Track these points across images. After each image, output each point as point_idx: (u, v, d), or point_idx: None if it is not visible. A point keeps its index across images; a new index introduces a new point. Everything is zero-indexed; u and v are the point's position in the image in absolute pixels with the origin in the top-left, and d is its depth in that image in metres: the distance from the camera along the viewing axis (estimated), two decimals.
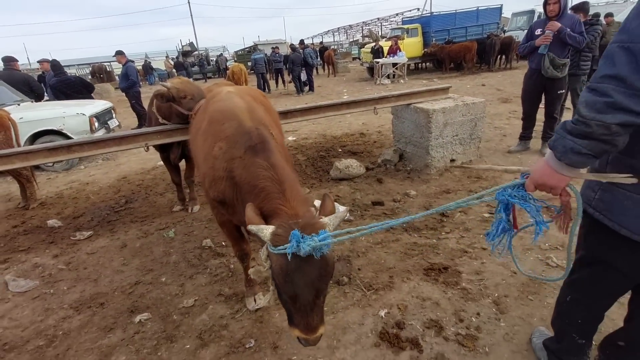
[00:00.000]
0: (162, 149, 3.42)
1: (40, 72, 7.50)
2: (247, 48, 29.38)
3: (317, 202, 1.53)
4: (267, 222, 1.36)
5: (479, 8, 16.39)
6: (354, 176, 4.17)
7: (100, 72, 19.39)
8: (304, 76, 12.45)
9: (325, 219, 1.29)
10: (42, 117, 5.17)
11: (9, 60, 6.40)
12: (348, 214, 3.26)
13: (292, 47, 13.61)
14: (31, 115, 5.11)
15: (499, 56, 14.52)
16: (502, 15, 17.63)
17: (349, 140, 5.87)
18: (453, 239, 2.78)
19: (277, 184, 1.42)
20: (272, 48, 14.43)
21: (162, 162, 5.08)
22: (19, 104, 5.54)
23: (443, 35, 15.83)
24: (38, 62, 6.74)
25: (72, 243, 3.28)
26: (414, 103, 4.08)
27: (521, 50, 4.33)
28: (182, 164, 3.77)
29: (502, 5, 16.84)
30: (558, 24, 3.83)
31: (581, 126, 0.93)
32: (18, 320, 2.35)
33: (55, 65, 6.51)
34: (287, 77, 13.26)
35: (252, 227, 1.26)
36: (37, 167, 4.48)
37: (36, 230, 3.62)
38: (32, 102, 6.07)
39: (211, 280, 2.57)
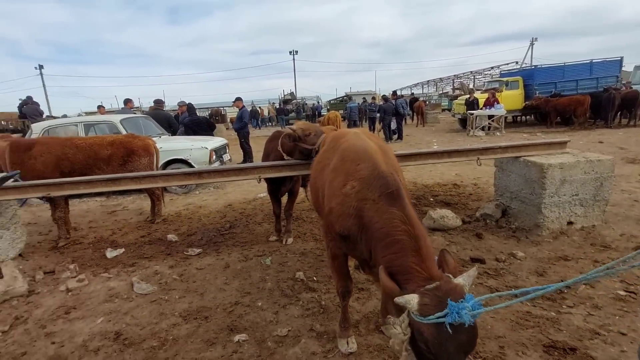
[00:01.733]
0: (272, 182, 3.78)
1: (176, 113, 9.22)
2: (339, 98, 32.05)
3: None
4: (396, 279, 1.36)
5: (593, 61, 15.00)
6: (449, 228, 3.94)
7: (217, 115, 22.86)
8: (393, 124, 12.73)
9: (461, 280, 1.26)
10: (175, 148, 6.27)
11: (158, 102, 8.06)
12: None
13: (384, 97, 14.20)
14: (168, 146, 6.21)
15: (619, 112, 12.79)
16: (623, 68, 15.79)
17: (441, 190, 5.64)
18: (578, 316, 2.36)
19: (413, 239, 1.40)
20: (364, 98, 15.24)
21: (262, 195, 5.62)
22: (160, 137, 6.81)
23: (548, 88, 14.77)
24: (178, 104, 8.41)
25: (185, 257, 3.72)
26: (524, 156, 3.79)
27: None
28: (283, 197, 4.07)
29: (622, 57, 15.16)
30: None
31: None
32: (138, 320, 2.67)
33: (190, 107, 7.97)
34: (378, 126, 13.68)
35: (399, 300, 1.27)
36: (165, 189, 5.31)
37: (158, 242, 4.20)
38: (169, 135, 7.42)
39: (303, 313, 2.61)
